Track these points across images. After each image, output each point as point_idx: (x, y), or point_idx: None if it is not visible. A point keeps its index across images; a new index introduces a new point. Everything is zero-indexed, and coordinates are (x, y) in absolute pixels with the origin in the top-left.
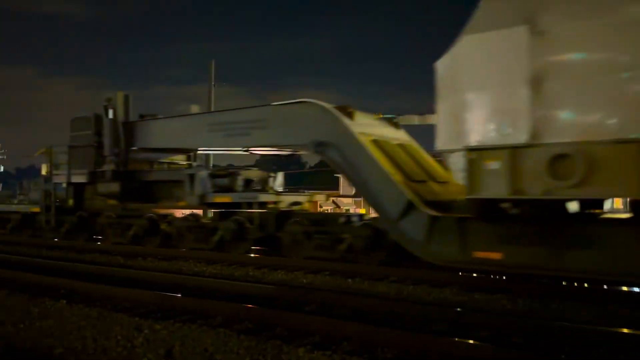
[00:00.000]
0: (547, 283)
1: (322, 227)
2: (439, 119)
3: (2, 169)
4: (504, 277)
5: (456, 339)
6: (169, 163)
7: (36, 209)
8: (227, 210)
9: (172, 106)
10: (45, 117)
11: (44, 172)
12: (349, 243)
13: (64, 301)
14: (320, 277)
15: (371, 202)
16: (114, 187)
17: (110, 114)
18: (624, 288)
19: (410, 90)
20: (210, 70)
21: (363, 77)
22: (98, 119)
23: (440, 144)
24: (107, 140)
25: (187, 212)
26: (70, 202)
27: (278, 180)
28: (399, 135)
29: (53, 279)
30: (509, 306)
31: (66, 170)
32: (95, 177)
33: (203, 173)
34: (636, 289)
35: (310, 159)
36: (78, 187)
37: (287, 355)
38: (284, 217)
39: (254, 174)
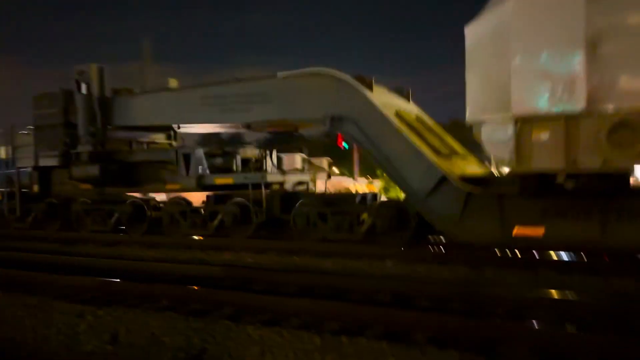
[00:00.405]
0: (483, 253)
1: (339, 208)
2: (470, 87)
3: None
4: (444, 250)
5: (396, 309)
6: (149, 143)
7: None
8: (223, 194)
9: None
10: None
11: (2, 155)
12: (370, 223)
13: None
14: (266, 256)
15: (396, 178)
16: (93, 170)
17: (84, 89)
18: (553, 254)
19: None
20: (144, 47)
21: (315, 55)
22: (67, 95)
23: (473, 114)
24: (81, 118)
25: (173, 196)
26: (36, 188)
27: (273, 159)
28: (412, 108)
29: None
30: (449, 276)
31: (31, 153)
32: (67, 159)
33: (200, 152)
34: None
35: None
36: (45, 171)
37: (236, 334)
38: (291, 198)
39: (251, 152)
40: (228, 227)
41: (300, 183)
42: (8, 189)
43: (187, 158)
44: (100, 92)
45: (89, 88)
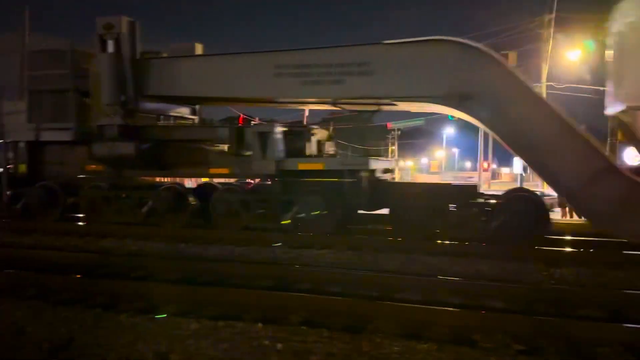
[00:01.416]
0: (365, 237)
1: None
2: (630, 70)
3: None
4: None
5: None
6: (177, 117)
7: None
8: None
9: None
10: None
11: None
12: (501, 221)
13: None
14: (150, 243)
15: (539, 166)
16: (126, 148)
17: (111, 47)
18: None
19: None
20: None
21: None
22: (81, 55)
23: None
24: (107, 84)
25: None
26: (22, 168)
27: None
28: None
29: None
30: (334, 259)
31: (21, 123)
32: (87, 134)
33: (278, 131)
34: None
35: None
36: (37, 148)
37: (107, 322)
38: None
39: (321, 133)
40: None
41: (386, 170)
42: None
43: (263, 138)
44: (132, 52)
45: (118, 46)
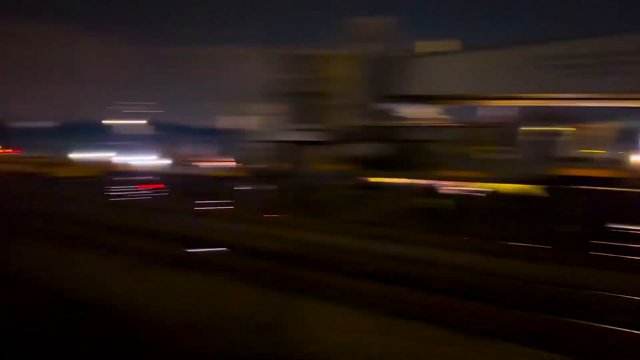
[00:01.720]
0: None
1: None
2: None
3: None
4: None
5: None
6: (421, 118)
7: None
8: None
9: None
10: (84, 74)
11: (252, 126)
12: None
13: None
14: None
15: None
16: (372, 148)
17: (366, 48)
18: None
19: None
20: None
21: None
22: (325, 58)
23: None
24: (353, 85)
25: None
26: (272, 165)
27: None
28: None
29: None
30: None
31: (279, 125)
32: (333, 135)
33: (562, 133)
34: None
35: None
36: (289, 147)
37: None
38: None
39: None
40: None
41: None
42: (257, 167)
43: (546, 138)
44: (383, 52)
45: (372, 47)
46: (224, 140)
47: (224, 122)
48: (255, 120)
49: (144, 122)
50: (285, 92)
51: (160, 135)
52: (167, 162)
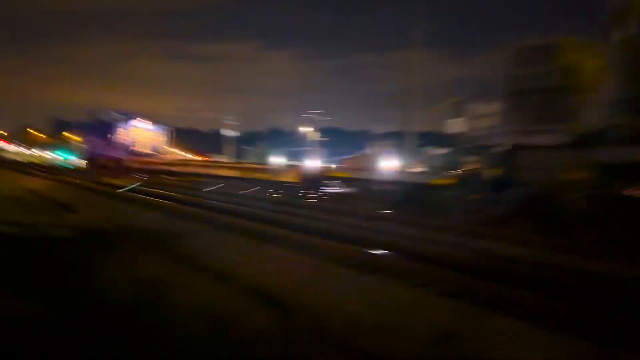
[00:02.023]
0: None
1: None
2: None
3: (235, 134)
4: None
5: None
6: None
7: (446, 181)
8: None
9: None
10: (268, 86)
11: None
12: None
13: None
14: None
15: None
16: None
17: (621, 34)
18: None
19: None
20: (414, 36)
21: None
22: (569, 48)
23: None
24: (613, 78)
25: None
26: (495, 172)
27: None
28: None
29: None
30: None
31: (500, 127)
32: (579, 137)
33: None
34: None
35: None
36: (511, 151)
37: (489, 322)
38: None
39: None
40: None
41: None
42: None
43: None
44: None
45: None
46: (413, 144)
47: (438, 125)
48: (470, 122)
49: (319, 128)
50: (517, 88)
51: (341, 141)
52: (357, 167)
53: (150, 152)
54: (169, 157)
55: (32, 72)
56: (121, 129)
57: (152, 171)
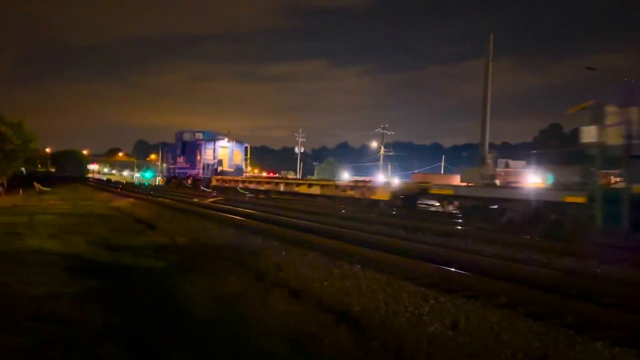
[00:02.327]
0: None
1: None
2: None
3: (303, 150)
4: None
5: None
6: None
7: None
8: None
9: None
10: (335, 103)
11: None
12: None
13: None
14: (618, 268)
15: None
16: None
17: None
18: None
19: None
20: (488, 44)
21: None
22: None
23: None
24: None
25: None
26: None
27: None
28: None
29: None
30: None
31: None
32: None
33: None
34: None
35: None
36: None
37: (582, 347)
38: None
39: None
40: None
41: None
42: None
43: None
44: None
45: None
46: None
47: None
48: (610, 130)
49: (388, 143)
50: None
51: (412, 155)
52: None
53: (233, 170)
54: (249, 175)
55: (116, 97)
56: (206, 149)
57: (235, 189)
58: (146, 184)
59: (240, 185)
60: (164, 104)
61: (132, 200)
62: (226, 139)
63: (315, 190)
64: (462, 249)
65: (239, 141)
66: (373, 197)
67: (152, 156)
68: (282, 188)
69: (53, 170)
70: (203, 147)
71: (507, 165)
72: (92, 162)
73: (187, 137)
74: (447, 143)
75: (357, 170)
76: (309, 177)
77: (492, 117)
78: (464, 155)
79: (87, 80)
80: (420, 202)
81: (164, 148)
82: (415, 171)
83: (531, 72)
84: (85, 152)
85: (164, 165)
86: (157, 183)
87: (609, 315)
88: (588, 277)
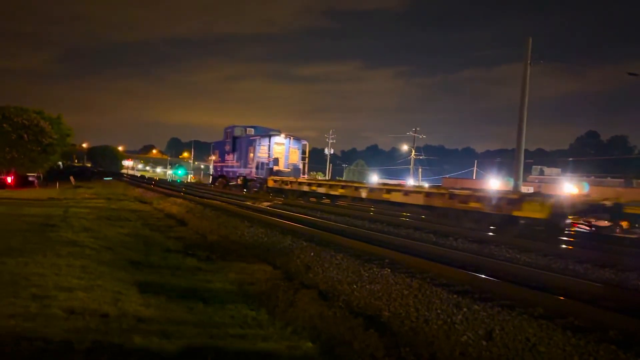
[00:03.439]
0: None
1: None
2: None
3: (332, 152)
4: None
5: None
6: None
7: None
8: None
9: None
10: (366, 105)
11: None
12: None
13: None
14: None
15: None
16: None
17: None
18: None
19: None
20: (526, 47)
21: None
22: None
23: None
24: None
25: None
26: None
27: None
28: None
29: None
30: None
31: None
32: None
33: None
34: None
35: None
36: None
37: None
38: None
39: None
40: None
41: None
42: None
43: None
44: None
45: None
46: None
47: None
48: None
49: (419, 146)
50: None
51: (444, 160)
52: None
53: (290, 170)
54: (306, 177)
55: (152, 95)
56: (261, 145)
57: (293, 191)
58: (178, 180)
59: (306, 188)
60: (198, 102)
61: (179, 200)
62: (282, 135)
63: (416, 199)
64: None
65: (297, 138)
66: (516, 213)
67: (185, 154)
68: (364, 195)
69: (89, 165)
70: (257, 143)
71: (541, 173)
72: (127, 158)
73: (238, 132)
74: (479, 148)
75: (386, 173)
76: (338, 178)
77: (528, 123)
78: (498, 161)
79: (126, 77)
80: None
81: (217, 145)
82: (447, 176)
83: (570, 78)
84: (120, 148)
85: (216, 164)
86: (189, 180)
87: None
88: None
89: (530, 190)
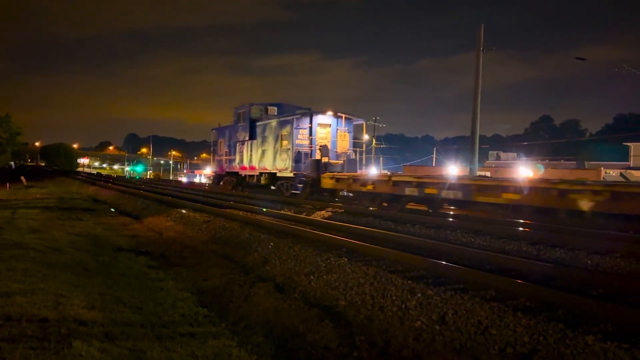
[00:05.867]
0: None
1: None
2: None
3: None
4: None
5: None
6: None
7: None
8: None
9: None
10: (326, 95)
11: None
12: None
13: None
14: (608, 259)
15: None
16: None
17: None
18: None
19: None
20: (479, 35)
21: None
22: None
23: None
24: None
25: None
26: None
27: None
28: None
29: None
30: None
31: None
32: None
33: None
34: None
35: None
36: None
37: (573, 342)
38: None
39: None
40: None
41: None
42: None
43: None
44: None
45: None
46: None
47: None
48: None
49: (380, 136)
50: None
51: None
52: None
53: (342, 162)
54: (366, 173)
55: (106, 90)
56: (300, 128)
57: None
58: (137, 177)
59: (409, 190)
60: (156, 97)
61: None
62: (330, 112)
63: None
64: None
65: (348, 117)
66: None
67: (143, 149)
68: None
69: (43, 164)
70: (294, 126)
71: (497, 157)
72: (83, 155)
73: (256, 112)
74: (439, 136)
75: None
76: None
77: (483, 110)
78: (455, 148)
79: (78, 73)
80: None
81: (222, 131)
82: (407, 164)
83: (524, 65)
84: (75, 145)
85: (220, 158)
86: (147, 177)
87: None
88: None
89: (488, 175)
